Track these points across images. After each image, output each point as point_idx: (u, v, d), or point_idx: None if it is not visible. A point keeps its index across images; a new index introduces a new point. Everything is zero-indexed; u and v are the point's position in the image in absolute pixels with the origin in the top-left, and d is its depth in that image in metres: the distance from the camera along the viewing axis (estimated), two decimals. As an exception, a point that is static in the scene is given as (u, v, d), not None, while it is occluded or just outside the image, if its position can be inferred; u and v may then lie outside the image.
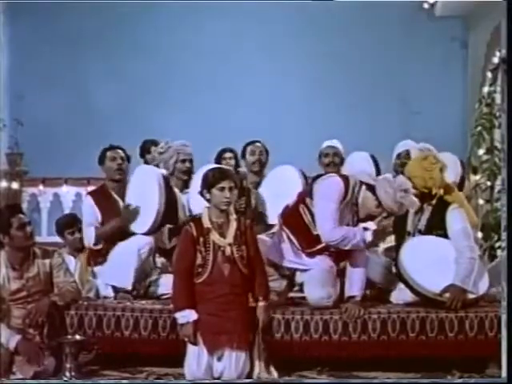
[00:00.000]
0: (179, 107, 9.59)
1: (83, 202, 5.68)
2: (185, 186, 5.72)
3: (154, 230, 5.26)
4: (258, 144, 6.18)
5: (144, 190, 5.29)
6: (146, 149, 7.09)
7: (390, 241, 5.30)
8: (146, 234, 5.25)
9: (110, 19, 9.76)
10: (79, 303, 4.92)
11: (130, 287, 5.15)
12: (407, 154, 5.82)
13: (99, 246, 5.39)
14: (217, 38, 9.71)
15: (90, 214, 5.43)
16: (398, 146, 5.97)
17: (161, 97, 9.75)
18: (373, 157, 5.76)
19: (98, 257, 5.41)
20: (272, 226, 5.50)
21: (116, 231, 5.33)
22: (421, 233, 5.11)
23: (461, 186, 5.68)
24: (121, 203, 5.43)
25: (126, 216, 5.30)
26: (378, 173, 5.52)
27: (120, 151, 5.55)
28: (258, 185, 5.98)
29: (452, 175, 5.53)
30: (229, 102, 9.65)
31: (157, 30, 9.85)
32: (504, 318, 4.19)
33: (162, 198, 5.23)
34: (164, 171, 5.53)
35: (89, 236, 5.41)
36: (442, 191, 5.12)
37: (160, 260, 5.47)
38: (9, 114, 8.70)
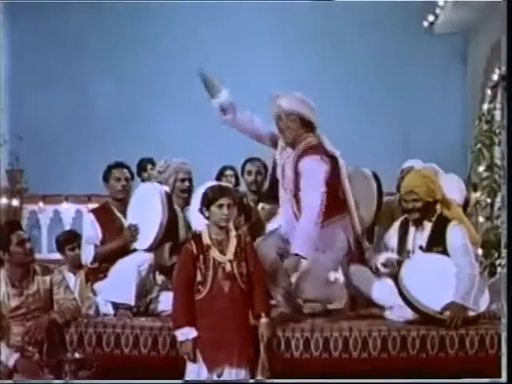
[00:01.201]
0: (181, 120, 9.58)
1: (84, 219, 5.67)
2: (185, 203, 5.72)
3: (155, 247, 5.26)
4: (256, 162, 6.16)
5: (146, 207, 5.29)
6: (142, 167, 7.12)
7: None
8: (147, 250, 5.25)
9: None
10: (79, 320, 4.90)
11: (131, 303, 5.14)
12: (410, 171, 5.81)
13: (96, 265, 5.38)
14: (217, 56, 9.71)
15: (91, 232, 5.42)
16: (405, 163, 5.97)
17: (163, 108, 9.74)
18: (374, 174, 5.73)
19: (97, 274, 5.39)
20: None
21: (116, 251, 5.33)
22: (421, 249, 5.09)
23: (465, 206, 5.68)
24: (123, 220, 5.43)
25: (128, 237, 5.30)
26: (380, 189, 5.50)
27: (125, 170, 5.54)
28: (257, 202, 5.99)
29: (457, 196, 5.53)
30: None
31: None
32: (504, 335, 4.19)
33: (165, 214, 5.24)
34: (167, 188, 5.53)
35: (87, 254, 5.40)
36: (439, 206, 5.12)
37: (160, 278, 5.46)
38: (9, 130, 8.72)
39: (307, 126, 4.94)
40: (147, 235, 5.24)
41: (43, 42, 9.70)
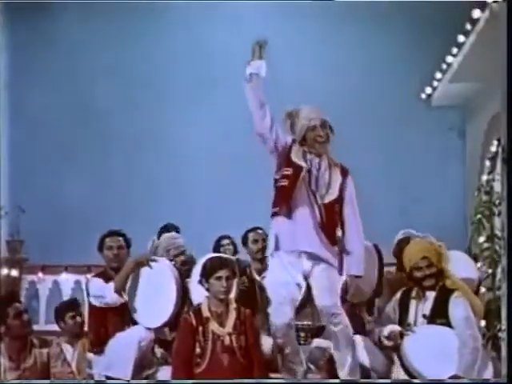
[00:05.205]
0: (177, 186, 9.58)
1: (91, 281, 5.54)
2: (186, 275, 5.66)
3: (161, 328, 5.14)
4: (259, 231, 6.10)
5: (160, 287, 5.16)
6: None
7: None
8: (155, 329, 5.10)
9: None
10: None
11: (127, 379, 5.04)
12: (408, 241, 5.80)
13: (123, 299, 5.21)
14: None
15: (99, 288, 5.29)
16: (399, 233, 5.97)
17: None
18: (375, 246, 5.71)
19: (96, 345, 5.32)
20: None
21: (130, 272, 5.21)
22: (425, 318, 5.05)
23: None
24: None
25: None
26: (381, 261, 5.48)
27: (120, 238, 5.49)
28: (261, 272, 5.91)
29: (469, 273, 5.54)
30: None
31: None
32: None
33: (179, 299, 5.09)
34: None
35: (112, 293, 5.22)
36: (442, 276, 5.11)
37: (159, 350, 5.37)
38: (9, 201, 8.74)
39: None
40: (160, 314, 5.07)
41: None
